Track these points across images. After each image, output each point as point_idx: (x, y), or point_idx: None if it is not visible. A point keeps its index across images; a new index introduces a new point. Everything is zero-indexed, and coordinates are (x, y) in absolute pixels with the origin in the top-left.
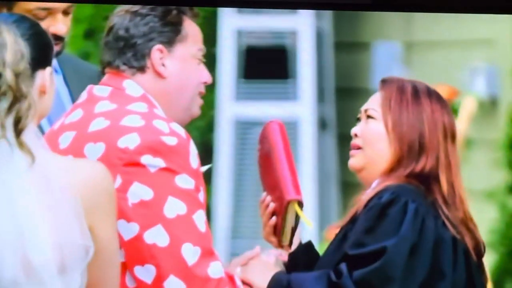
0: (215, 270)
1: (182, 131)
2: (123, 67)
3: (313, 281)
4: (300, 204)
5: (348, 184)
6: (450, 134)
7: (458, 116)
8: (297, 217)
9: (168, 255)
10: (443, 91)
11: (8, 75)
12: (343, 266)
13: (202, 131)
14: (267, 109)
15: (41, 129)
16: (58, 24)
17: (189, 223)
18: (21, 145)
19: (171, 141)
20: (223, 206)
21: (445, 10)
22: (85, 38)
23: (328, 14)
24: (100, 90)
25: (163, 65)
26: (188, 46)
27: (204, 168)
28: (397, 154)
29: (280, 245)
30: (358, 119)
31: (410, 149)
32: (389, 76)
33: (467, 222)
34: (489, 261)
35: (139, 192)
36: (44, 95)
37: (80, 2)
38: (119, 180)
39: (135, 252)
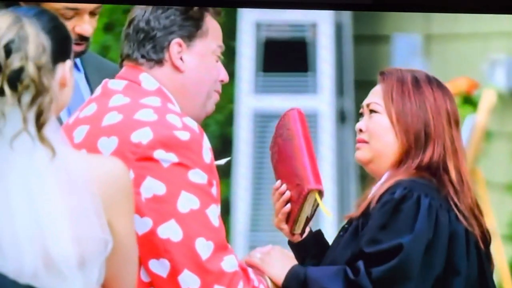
0: (229, 264)
1: (195, 126)
2: (142, 60)
3: (330, 277)
4: (320, 194)
5: (367, 176)
6: (454, 120)
7: (478, 109)
8: (313, 207)
9: (182, 250)
10: (462, 84)
11: (31, 69)
12: (360, 264)
13: (221, 124)
14: (286, 102)
15: (60, 122)
16: (84, 25)
17: (203, 217)
18: (42, 139)
19: (184, 135)
20: (242, 199)
21: (445, 10)
22: (104, 32)
23: None
24: (114, 84)
25: (181, 59)
26: (207, 42)
27: (223, 161)
28: (404, 146)
29: (291, 233)
30: (361, 114)
31: (416, 139)
32: (388, 68)
33: (473, 209)
34: (508, 254)
35: (152, 187)
36: (64, 88)
37: (81, 2)
38: (132, 175)
39: (149, 247)
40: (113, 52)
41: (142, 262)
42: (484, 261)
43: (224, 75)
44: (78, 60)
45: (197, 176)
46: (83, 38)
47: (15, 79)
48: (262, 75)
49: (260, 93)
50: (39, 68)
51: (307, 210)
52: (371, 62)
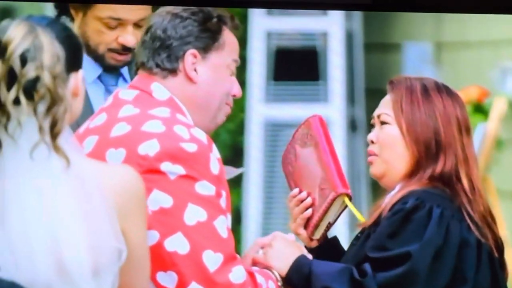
0: (237, 275)
1: (203, 137)
2: (156, 69)
3: (335, 275)
4: (349, 197)
5: (378, 185)
6: (464, 128)
7: (488, 117)
8: (338, 212)
9: (189, 263)
10: (473, 92)
11: (47, 78)
12: (367, 266)
13: (232, 133)
14: (297, 111)
15: None
16: (127, 36)
17: (210, 229)
18: (57, 148)
19: (191, 147)
20: (253, 208)
21: (445, 10)
22: None
23: (358, 15)
24: (125, 94)
25: (195, 70)
26: (223, 56)
27: (238, 171)
28: (415, 156)
29: (310, 238)
30: (372, 125)
31: (427, 149)
32: (396, 77)
33: (486, 217)
34: None
35: (158, 199)
36: (76, 97)
37: (81, 2)
38: None
39: (156, 259)
40: None
41: (150, 275)
42: (497, 270)
43: (237, 90)
44: (125, 71)
45: (204, 188)
46: (125, 49)
47: (31, 88)
48: (273, 83)
49: (271, 102)
50: (54, 77)
51: (330, 215)
52: (382, 70)
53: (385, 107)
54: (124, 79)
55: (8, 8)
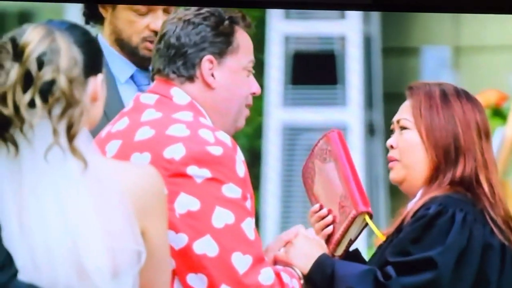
0: (265, 277)
1: (228, 140)
2: (172, 76)
3: (359, 276)
4: (369, 216)
5: (397, 189)
6: (484, 132)
7: (507, 121)
8: (359, 229)
9: (218, 265)
10: (492, 96)
11: (62, 81)
12: (391, 270)
13: (250, 137)
14: (315, 115)
15: None
16: (159, 21)
17: (238, 232)
18: (73, 150)
19: (217, 151)
20: (271, 211)
21: (444, 10)
22: None
23: (375, 19)
24: (146, 98)
25: (213, 75)
26: (238, 58)
27: None
28: (434, 161)
29: (332, 254)
30: (392, 131)
31: (446, 154)
32: (415, 82)
33: (508, 221)
34: None
35: (186, 203)
36: (96, 102)
37: (81, 2)
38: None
39: (186, 261)
40: None
41: (180, 276)
42: None
43: (256, 88)
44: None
45: (231, 190)
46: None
47: (47, 91)
48: (291, 88)
49: (289, 106)
50: (70, 81)
51: (352, 233)
52: (400, 74)
53: (405, 113)
54: None
55: (26, 12)
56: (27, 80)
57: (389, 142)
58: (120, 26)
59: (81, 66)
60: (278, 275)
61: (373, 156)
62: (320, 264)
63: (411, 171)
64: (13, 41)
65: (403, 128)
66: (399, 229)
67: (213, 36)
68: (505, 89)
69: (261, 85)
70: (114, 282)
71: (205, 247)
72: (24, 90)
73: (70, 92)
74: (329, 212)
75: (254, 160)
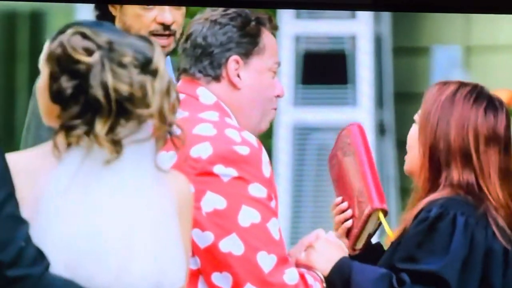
0: (290, 276)
1: (254, 140)
2: (198, 75)
3: (374, 282)
4: (384, 213)
5: (408, 189)
6: (483, 136)
7: None
8: (376, 225)
9: (244, 264)
10: (503, 96)
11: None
12: (405, 276)
13: (261, 137)
14: (325, 115)
15: None
16: (165, 13)
17: (264, 231)
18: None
19: (243, 150)
20: (282, 212)
21: (444, 10)
22: None
23: (386, 19)
24: None
25: (238, 76)
26: (264, 59)
27: None
28: (422, 158)
29: (352, 248)
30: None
31: (432, 153)
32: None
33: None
34: None
35: (212, 201)
36: None
37: (81, 2)
38: (192, 190)
39: (211, 260)
40: None
41: (205, 276)
42: None
43: (280, 90)
44: (172, 72)
45: (257, 190)
46: (166, 28)
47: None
48: (301, 87)
49: (299, 105)
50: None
51: (369, 228)
52: (410, 74)
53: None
54: None
55: (37, 12)
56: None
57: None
58: (129, 22)
59: None
60: (302, 276)
61: (383, 155)
62: (339, 268)
63: (414, 165)
64: (137, 54)
65: (415, 122)
66: (404, 230)
67: (239, 36)
68: None
69: None
70: None
71: (231, 245)
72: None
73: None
74: (349, 206)
75: None
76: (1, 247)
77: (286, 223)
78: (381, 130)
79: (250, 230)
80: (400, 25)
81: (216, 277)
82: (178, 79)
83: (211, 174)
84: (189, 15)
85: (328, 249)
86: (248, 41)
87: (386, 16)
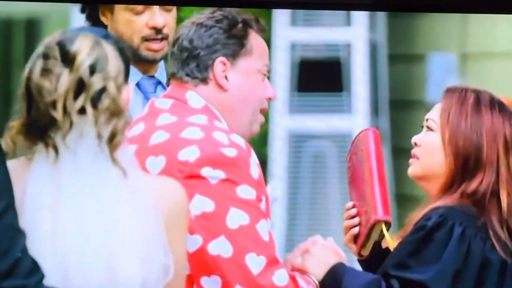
0: (280, 278)
1: (242, 142)
2: (186, 78)
3: (363, 287)
4: (387, 224)
5: (404, 196)
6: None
7: None
8: (381, 234)
9: (233, 266)
10: None
11: (112, 88)
12: (395, 283)
13: (256, 144)
14: (321, 123)
15: None
16: (156, 17)
17: (253, 233)
18: (114, 160)
19: (231, 152)
20: (277, 219)
21: (444, 10)
22: None
23: (381, 26)
24: (161, 102)
25: (226, 78)
26: (252, 61)
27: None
28: (451, 169)
29: (359, 254)
30: (422, 127)
31: (465, 163)
32: (454, 85)
33: None
34: None
35: (200, 204)
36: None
37: (81, 2)
38: None
39: (200, 264)
40: None
41: (194, 280)
42: None
43: (271, 93)
44: (165, 78)
45: (245, 192)
46: (158, 32)
47: (97, 98)
48: (297, 95)
49: (295, 113)
50: (118, 88)
51: (374, 236)
52: (406, 81)
53: (434, 113)
54: (163, 86)
55: (33, 20)
56: (79, 87)
57: (414, 139)
58: (120, 29)
59: (123, 73)
60: (293, 278)
61: None
62: (333, 273)
63: (429, 172)
64: (62, 47)
65: (429, 128)
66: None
67: (225, 38)
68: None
69: None
70: None
71: (220, 247)
72: (76, 97)
73: (118, 100)
74: (358, 212)
75: (260, 167)
76: None
77: (282, 229)
78: None
79: (238, 232)
80: (396, 32)
81: (205, 281)
82: (168, 84)
83: (198, 177)
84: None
85: (324, 254)
86: (234, 43)
87: (382, 23)
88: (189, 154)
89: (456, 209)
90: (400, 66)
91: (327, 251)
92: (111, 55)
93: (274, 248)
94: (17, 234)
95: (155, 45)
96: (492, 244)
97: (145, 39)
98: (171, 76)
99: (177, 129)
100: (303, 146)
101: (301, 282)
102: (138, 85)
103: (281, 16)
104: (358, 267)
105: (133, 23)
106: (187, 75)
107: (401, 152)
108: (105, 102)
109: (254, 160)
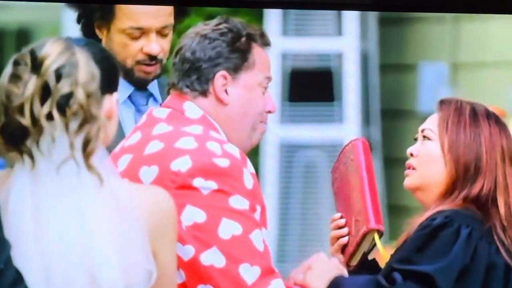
0: None
1: (236, 152)
2: (186, 90)
3: (361, 285)
4: (380, 233)
5: (395, 206)
6: (508, 157)
7: None
8: (371, 244)
9: (226, 276)
10: None
11: (80, 95)
12: (397, 275)
13: (248, 154)
14: (312, 132)
15: None
16: (152, 44)
17: (246, 243)
18: (90, 167)
19: (223, 163)
20: (268, 229)
21: (444, 10)
22: None
23: (373, 36)
24: (159, 112)
25: (226, 91)
26: (254, 74)
27: None
28: (452, 176)
29: (347, 264)
30: (416, 139)
31: (466, 171)
32: (447, 97)
33: None
34: None
35: (192, 214)
36: (110, 120)
37: (81, 2)
38: None
39: (195, 273)
40: None
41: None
42: None
43: (271, 106)
44: (156, 91)
45: (238, 202)
46: (152, 58)
47: (64, 104)
48: (288, 105)
49: (286, 123)
50: (88, 95)
51: (364, 247)
52: (397, 91)
53: (431, 123)
54: (155, 99)
55: (24, 31)
56: (45, 92)
57: (410, 150)
58: (115, 49)
59: (98, 82)
60: None
61: None
62: (333, 284)
63: (427, 182)
64: (32, 53)
65: (426, 138)
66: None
67: (228, 51)
68: (503, 105)
69: None
70: None
71: (212, 258)
72: (42, 102)
73: (88, 107)
74: (347, 223)
75: None
76: None
77: (273, 240)
78: None
79: (231, 242)
80: (387, 41)
81: None
82: (168, 93)
83: (190, 187)
84: (177, 34)
85: (326, 270)
86: (237, 57)
87: (373, 33)
88: (181, 164)
89: (462, 212)
90: (392, 75)
91: (329, 267)
92: (83, 62)
93: (269, 258)
94: (1, 246)
95: (148, 68)
96: (497, 248)
97: (139, 62)
98: (171, 86)
99: (172, 139)
100: (295, 155)
101: None
102: (130, 97)
103: (272, 26)
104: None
105: (128, 47)
106: (187, 86)
107: (392, 162)
108: (73, 108)
109: (248, 170)
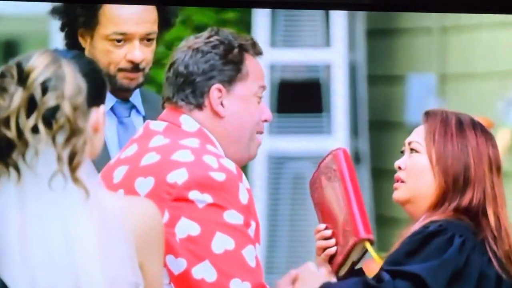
0: None
1: (232, 167)
2: (181, 103)
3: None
4: (370, 242)
5: (383, 217)
6: (495, 166)
7: None
8: (361, 254)
9: None
10: None
11: (67, 108)
12: (385, 274)
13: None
14: (300, 144)
15: None
16: (135, 51)
17: (238, 258)
18: (76, 180)
19: (219, 176)
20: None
21: (444, 10)
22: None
23: (361, 47)
24: (155, 125)
25: (222, 104)
26: (248, 85)
27: None
28: (442, 187)
29: (334, 274)
30: (402, 152)
31: (455, 182)
32: (433, 108)
33: (510, 256)
34: None
35: (186, 227)
36: (97, 133)
37: (81, 2)
38: (167, 215)
39: (186, 287)
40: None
41: None
42: None
43: (267, 115)
44: (140, 103)
45: (232, 217)
46: (136, 67)
47: (50, 117)
48: (276, 116)
49: (274, 134)
50: (74, 108)
51: (353, 256)
52: (385, 102)
53: (417, 136)
54: (137, 111)
55: (12, 42)
56: (31, 105)
57: (398, 163)
58: (98, 56)
59: (84, 95)
60: None
61: (359, 184)
62: None
63: (416, 194)
64: (19, 65)
65: (413, 150)
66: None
67: (222, 64)
68: (491, 117)
69: None
70: None
71: (204, 272)
72: (28, 115)
73: (74, 120)
74: (333, 234)
75: None
76: None
77: (262, 251)
78: (356, 158)
79: (223, 257)
80: (375, 52)
81: None
82: (163, 107)
83: (186, 200)
84: (164, 45)
85: (316, 280)
86: (230, 68)
87: (361, 43)
88: (177, 177)
89: (455, 222)
90: (380, 87)
91: (318, 276)
92: (70, 74)
93: (261, 274)
94: None
95: (131, 75)
96: (489, 259)
97: (122, 70)
98: (165, 100)
99: (168, 151)
100: (283, 167)
101: None
102: (112, 109)
103: (260, 37)
104: None
105: (111, 54)
106: (182, 100)
107: (380, 173)
108: (59, 121)
109: (244, 185)
